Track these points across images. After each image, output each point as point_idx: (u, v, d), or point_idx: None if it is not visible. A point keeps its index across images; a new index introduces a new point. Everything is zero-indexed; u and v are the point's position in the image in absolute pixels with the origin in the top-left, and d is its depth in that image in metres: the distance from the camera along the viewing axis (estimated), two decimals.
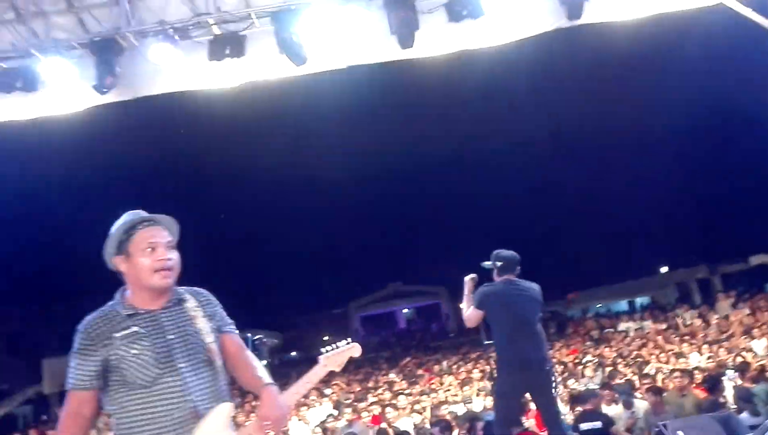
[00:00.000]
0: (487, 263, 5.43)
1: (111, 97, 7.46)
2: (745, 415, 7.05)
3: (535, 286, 5.43)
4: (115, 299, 2.52)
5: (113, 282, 2.58)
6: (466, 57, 8.16)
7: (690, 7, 7.80)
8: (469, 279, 5.46)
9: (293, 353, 39.45)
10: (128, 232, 2.47)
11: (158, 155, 29.27)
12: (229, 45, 6.87)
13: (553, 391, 5.17)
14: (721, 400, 8.04)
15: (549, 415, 5.14)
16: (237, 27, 7.10)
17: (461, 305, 5.59)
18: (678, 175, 30.18)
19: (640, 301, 33.33)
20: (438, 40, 7.52)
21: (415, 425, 9.54)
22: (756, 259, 24.87)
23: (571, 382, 10.89)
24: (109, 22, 7.21)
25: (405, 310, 42.77)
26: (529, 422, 7.33)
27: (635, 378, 10.00)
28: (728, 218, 29.53)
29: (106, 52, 7.06)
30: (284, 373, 23.53)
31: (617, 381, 10.01)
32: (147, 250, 2.43)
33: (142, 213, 2.54)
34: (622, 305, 33.46)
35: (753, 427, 5.88)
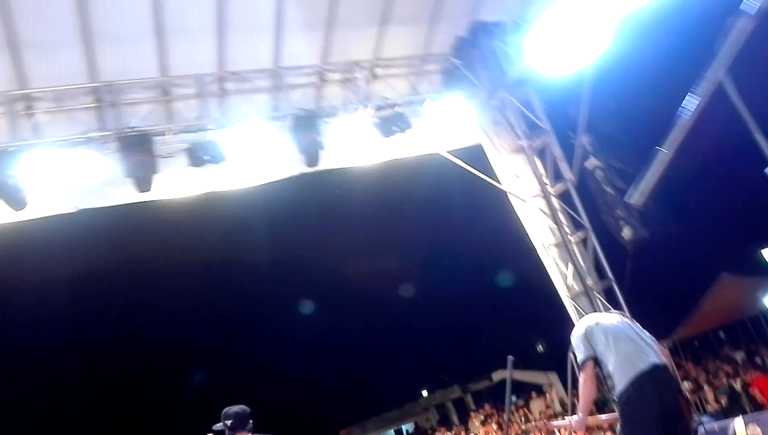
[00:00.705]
0: (218, 426, 5.09)
1: None
2: None
3: None
4: None
5: None
6: (212, 198, 8.19)
7: (413, 155, 8.97)
8: None
9: None
10: None
11: None
12: None
13: None
14: None
15: None
16: None
17: None
18: (429, 307, 32.92)
19: (406, 428, 34.35)
20: (180, 182, 7.48)
21: None
22: (497, 375, 27.45)
23: None
24: None
25: None
26: None
27: None
28: (472, 341, 32.71)
29: None
30: None
31: None
32: None
33: None
34: (391, 434, 34.17)
35: None
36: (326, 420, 34.09)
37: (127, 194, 7.07)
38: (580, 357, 4.44)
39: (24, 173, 6.44)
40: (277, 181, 8.38)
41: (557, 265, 9.00)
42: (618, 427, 4.39)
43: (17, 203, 6.41)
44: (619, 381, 4.26)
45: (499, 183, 9.18)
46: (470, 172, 9.12)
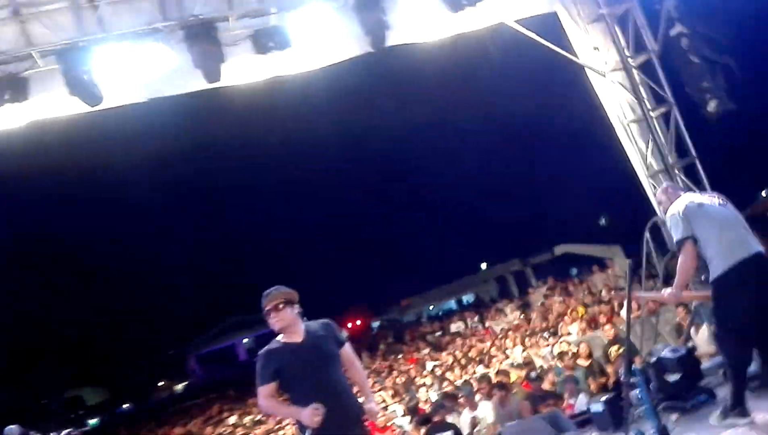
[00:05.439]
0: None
1: None
2: (571, 401, 7.69)
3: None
4: None
5: None
6: (277, 83, 8.05)
7: (478, 28, 8.42)
8: None
9: (125, 406, 36.33)
10: None
11: None
12: (8, 89, 6.10)
13: None
14: (546, 387, 8.75)
15: None
16: (17, 68, 6.34)
17: None
18: (489, 179, 32.79)
19: (466, 298, 35.51)
20: (245, 70, 7.36)
21: None
22: (560, 249, 27.54)
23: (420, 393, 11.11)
24: None
25: (245, 340, 41.36)
26: None
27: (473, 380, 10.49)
28: (534, 214, 32.71)
29: None
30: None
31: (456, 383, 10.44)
32: None
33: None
34: (451, 304, 35.47)
35: (575, 416, 6.42)
36: (388, 291, 35.64)
37: (196, 82, 7.01)
38: (677, 236, 4.32)
39: (96, 68, 6.44)
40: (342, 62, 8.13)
41: (635, 142, 8.62)
42: (710, 306, 4.34)
43: (93, 99, 6.46)
44: (718, 266, 4.18)
45: (576, 56, 8.65)
46: (544, 44, 8.56)
